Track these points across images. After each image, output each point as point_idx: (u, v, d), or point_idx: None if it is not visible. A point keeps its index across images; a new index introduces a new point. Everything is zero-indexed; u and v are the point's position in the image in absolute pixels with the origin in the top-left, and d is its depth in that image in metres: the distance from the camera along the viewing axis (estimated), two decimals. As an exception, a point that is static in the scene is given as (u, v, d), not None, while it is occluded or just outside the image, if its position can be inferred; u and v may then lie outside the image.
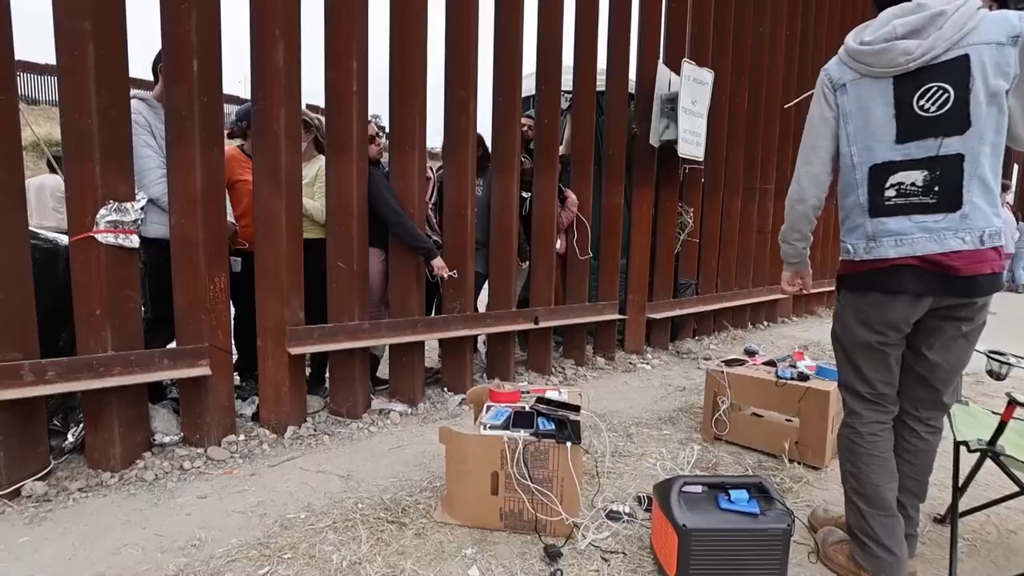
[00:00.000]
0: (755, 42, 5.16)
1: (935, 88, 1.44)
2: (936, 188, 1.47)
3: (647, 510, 2.02)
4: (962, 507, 1.83)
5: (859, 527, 1.63)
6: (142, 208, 2.31)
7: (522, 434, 1.88)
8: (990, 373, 2.17)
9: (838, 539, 1.77)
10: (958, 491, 1.78)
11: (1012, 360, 1.94)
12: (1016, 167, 14.20)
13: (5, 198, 2.02)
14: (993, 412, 1.88)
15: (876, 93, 1.53)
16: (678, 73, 4.05)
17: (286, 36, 2.54)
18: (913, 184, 1.50)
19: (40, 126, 11.10)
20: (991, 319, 1.59)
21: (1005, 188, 6.92)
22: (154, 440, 2.47)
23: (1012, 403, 1.54)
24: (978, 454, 1.64)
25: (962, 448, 1.69)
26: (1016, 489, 1.64)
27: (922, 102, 1.46)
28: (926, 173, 1.48)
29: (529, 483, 1.85)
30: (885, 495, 1.59)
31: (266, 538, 1.86)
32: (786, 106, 5.36)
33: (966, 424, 1.81)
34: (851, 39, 1.58)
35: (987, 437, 1.60)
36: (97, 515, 2.00)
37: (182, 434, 2.53)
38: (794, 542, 1.68)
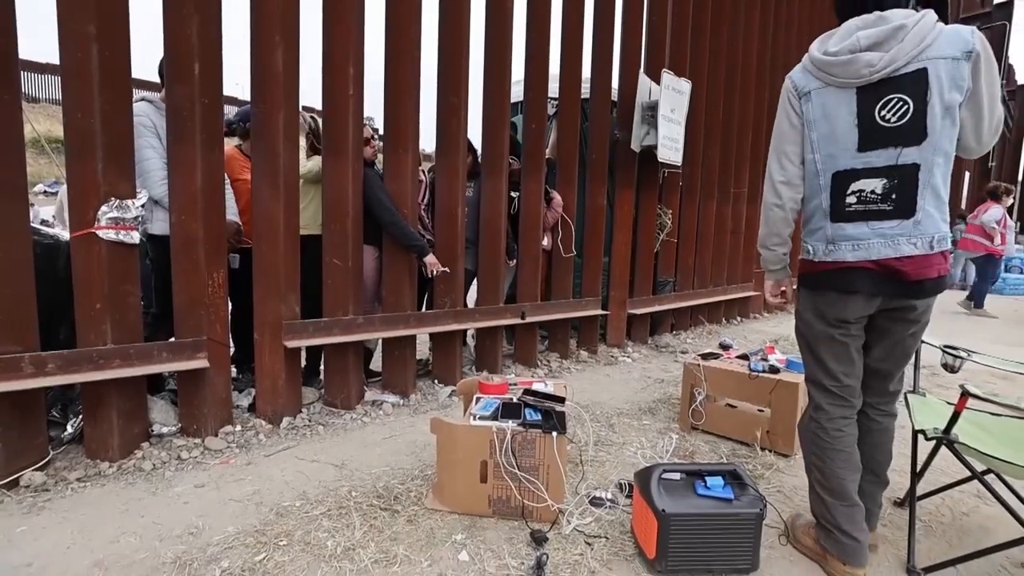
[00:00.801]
0: (730, 54, 5.19)
1: (896, 100, 1.44)
2: (893, 196, 1.48)
3: (628, 496, 2.02)
4: (919, 491, 1.87)
5: (823, 516, 1.65)
6: (143, 205, 2.25)
7: (510, 424, 1.87)
8: (945, 366, 2.20)
9: (806, 523, 1.79)
10: (916, 476, 1.81)
11: (964, 354, 1.97)
12: (967, 174, 14.52)
13: (8, 195, 1.97)
14: (948, 403, 1.91)
15: (840, 102, 1.51)
16: (658, 82, 4.06)
17: (285, 41, 2.50)
18: (873, 192, 1.50)
19: (40, 123, 10.83)
20: (933, 313, 1.61)
21: (1008, 192, 6.77)
22: (152, 431, 2.42)
23: (965, 394, 1.56)
24: (934, 442, 1.66)
25: (920, 436, 1.72)
26: (968, 474, 1.67)
27: (883, 112, 1.46)
28: (885, 181, 1.48)
29: (517, 471, 1.84)
30: (848, 487, 1.60)
31: (262, 525, 1.83)
32: None
33: (923, 414, 1.83)
34: (815, 49, 1.56)
35: (942, 426, 1.62)
36: (95, 504, 1.95)
37: (180, 425, 2.48)
38: (766, 525, 1.70)
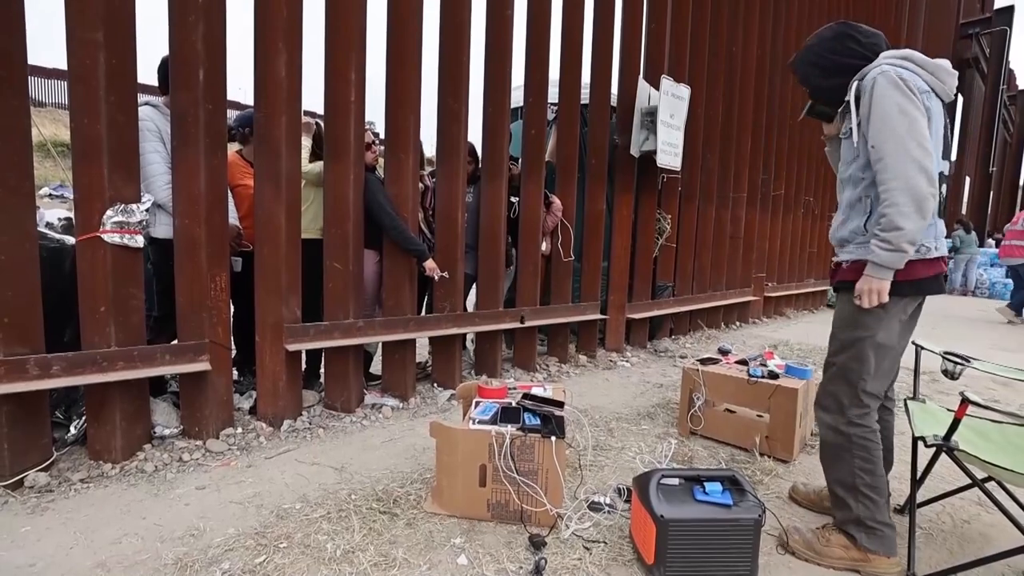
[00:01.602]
0: (728, 60, 5.21)
1: (947, 121, 1.67)
2: (941, 200, 1.66)
3: (627, 501, 2.01)
4: (920, 499, 1.86)
5: (870, 517, 1.65)
6: (147, 210, 2.26)
7: (509, 428, 1.86)
8: (945, 373, 2.19)
9: (823, 535, 1.73)
10: (916, 483, 1.80)
11: (965, 361, 1.96)
12: (968, 179, 14.50)
13: (16, 199, 1.98)
14: (948, 410, 1.90)
15: (938, 110, 1.62)
16: (657, 88, 4.06)
17: (288, 48, 2.51)
18: (942, 193, 1.66)
19: (46, 127, 10.90)
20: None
21: None
22: (154, 432, 2.42)
23: (965, 401, 1.55)
24: (934, 449, 1.65)
25: (920, 443, 1.71)
26: (968, 481, 1.67)
27: (945, 131, 1.67)
28: (944, 186, 1.67)
29: (515, 475, 1.83)
30: (883, 480, 1.68)
31: (263, 528, 1.82)
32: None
33: (923, 421, 1.82)
34: (916, 55, 1.63)
35: (943, 433, 1.61)
36: (98, 505, 1.95)
37: (182, 427, 2.48)
38: (765, 532, 1.68)
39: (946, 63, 1.62)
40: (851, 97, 1.64)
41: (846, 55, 1.69)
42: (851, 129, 1.65)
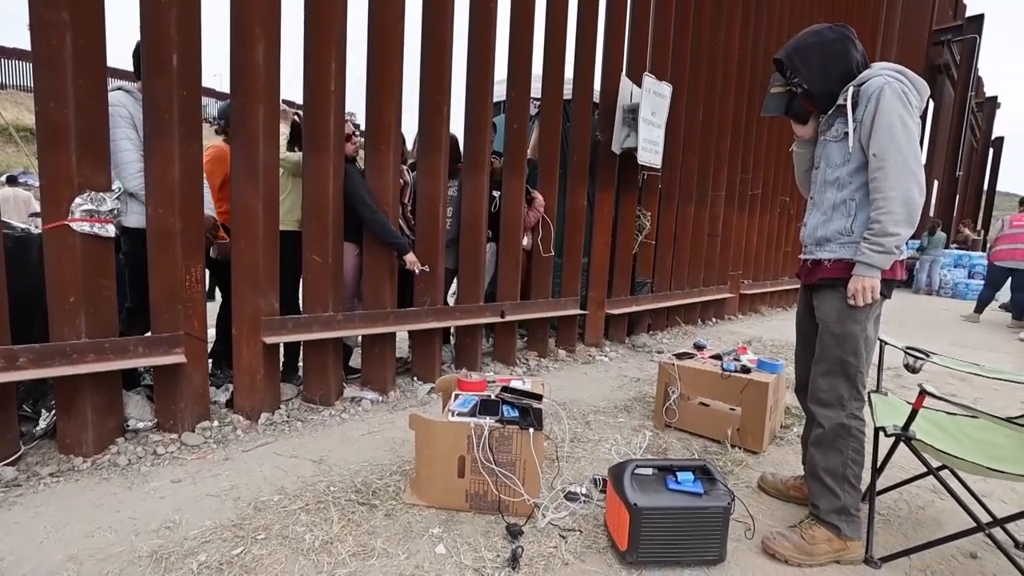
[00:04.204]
0: (710, 59, 5.30)
1: None
2: None
3: (602, 491, 2.08)
4: (879, 486, 1.96)
5: (853, 504, 1.75)
6: (118, 198, 2.22)
7: (488, 421, 1.90)
8: (907, 367, 2.30)
9: (806, 533, 1.76)
10: (876, 472, 1.90)
11: (925, 355, 2.07)
12: (936, 183, 15.00)
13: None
14: (908, 402, 2.00)
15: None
16: (639, 85, 4.12)
17: (266, 35, 2.48)
18: None
19: (7, 111, 10.47)
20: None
21: None
22: (127, 426, 2.39)
23: (923, 393, 1.65)
24: (893, 439, 1.75)
25: (880, 433, 1.80)
26: (924, 470, 1.76)
27: None
28: None
29: (494, 467, 1.87)
30: (863, 470, 1.79)
31: (240, 520, 1.83)
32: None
33: (884, 412, 1.91)
34: (911, 73, 1.69)
35: (902, 423, 1.70)
36: (69, 499, 1.93)
37: (156, 420, 2.45)
38: (734, 519, 1.75)
39: (924, 83, 1.71)
40: (847, 102, 1.69)
41: (848, 59, 1.75)
42: (846, 133, 1.70)
